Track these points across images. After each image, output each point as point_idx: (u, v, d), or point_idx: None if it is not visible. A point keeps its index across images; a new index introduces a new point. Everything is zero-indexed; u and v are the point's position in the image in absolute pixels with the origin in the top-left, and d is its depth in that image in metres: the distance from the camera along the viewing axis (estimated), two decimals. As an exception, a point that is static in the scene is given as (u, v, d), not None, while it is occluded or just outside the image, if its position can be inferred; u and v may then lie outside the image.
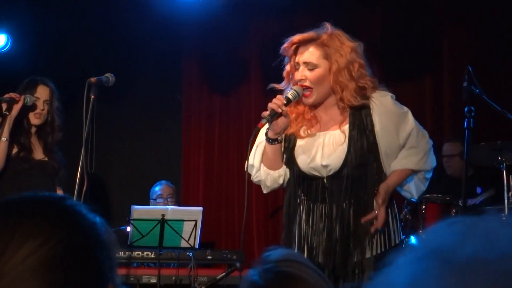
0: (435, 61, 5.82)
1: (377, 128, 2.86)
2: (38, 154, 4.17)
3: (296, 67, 2.92)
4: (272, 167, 2.97)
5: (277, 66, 3.05)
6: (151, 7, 5.72)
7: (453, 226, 0.66)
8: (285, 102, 2.82)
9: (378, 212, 2.83)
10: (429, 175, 3.02)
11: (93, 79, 3.36)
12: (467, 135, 3.37)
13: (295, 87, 2.88)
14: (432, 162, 3.00)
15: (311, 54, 2.87)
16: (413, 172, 2.97)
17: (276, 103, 2.81)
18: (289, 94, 2.86)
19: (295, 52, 2.93)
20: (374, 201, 2.85)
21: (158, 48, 6.15)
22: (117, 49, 5.99)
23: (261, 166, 2.98)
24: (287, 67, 2.97)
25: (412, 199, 4.37)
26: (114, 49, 6.00)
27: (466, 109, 3.36)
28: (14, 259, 0.90)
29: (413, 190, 3.02)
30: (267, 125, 2.89)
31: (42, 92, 4.17)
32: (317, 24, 2.94)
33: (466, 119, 3.36)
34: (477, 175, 5.02)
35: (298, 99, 2.90)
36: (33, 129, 4.21)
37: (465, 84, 3.54)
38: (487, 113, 4.32)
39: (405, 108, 2.98)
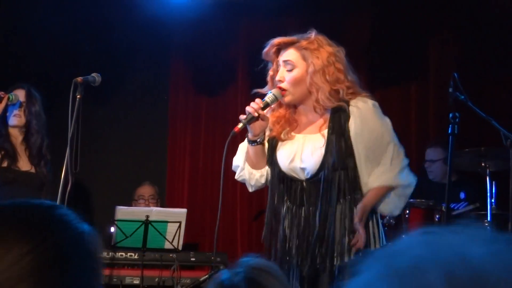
0: (421, 67, 5.85)
1: (352, 133, 2.87)
2: (24, 164, 4.14)
3: (277, 68, 2.96)
4: (254, 166, 3.02)
5: (264, 68, 3.07)
6: (139, 8, 5.71)
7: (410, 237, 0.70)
8: (262, 106, 2.86)
9: (359, 233, 2.83)
10: (407, 191, 2.99)
11: (79, 79, 3.34)
12: (451, 141, 3.38)
13: (274, 91, 2.92)
14: (408, 177, 2.97)
15: (290, 54, 2.93)
16: (391, 188, 2.94)
17: (253, 107, 2.86)
18: (267, 97, 2.91)
19: (277, 55, 2.97)
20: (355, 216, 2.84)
21: (145, 49, 6.14)
22: (104, 49, 5.97)
23: (245, 165, 3.02)
24: (270, 72, 3.00)
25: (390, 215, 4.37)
26: (101, 49, 5.97)
27: (450, 115, 3.37)
28: None
29: (390, 206, 2.97)
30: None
31: (19, 94, 4.16)
32: (303, 29, 2.97)
33: (450, 125, 3.37)
34: (461, 180, 5.05)
35: (277, 102, 2.94)
36: (19, 138, 4.17)
37: (450, 90, 3.56)
38: (471, 119, 4.35)
39: (386, 119, 2.97)
